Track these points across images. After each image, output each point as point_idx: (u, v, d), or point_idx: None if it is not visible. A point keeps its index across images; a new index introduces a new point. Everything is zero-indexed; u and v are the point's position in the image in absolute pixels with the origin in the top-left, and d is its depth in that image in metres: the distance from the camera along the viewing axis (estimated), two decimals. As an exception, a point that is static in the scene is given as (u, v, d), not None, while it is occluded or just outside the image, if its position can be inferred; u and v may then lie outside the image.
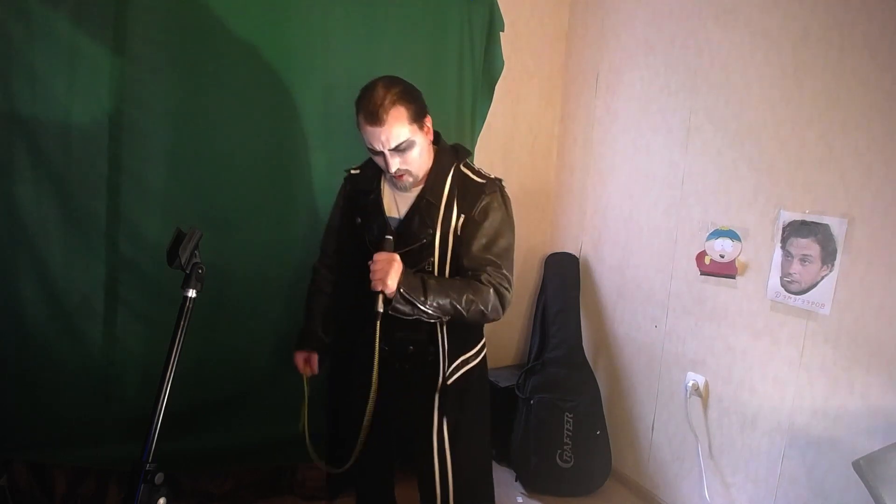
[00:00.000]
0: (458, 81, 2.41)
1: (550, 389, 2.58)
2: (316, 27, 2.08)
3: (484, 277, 1.48)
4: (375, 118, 1.39)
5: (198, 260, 1.21)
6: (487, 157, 2.65)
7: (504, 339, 3.06)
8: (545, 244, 3.08)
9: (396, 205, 1.56)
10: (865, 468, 1.42)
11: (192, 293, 1.20)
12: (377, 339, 1.45)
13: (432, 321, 1.46)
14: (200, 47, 1.95)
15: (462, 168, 1.56)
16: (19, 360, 1.91)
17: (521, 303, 3.05)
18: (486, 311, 1.47)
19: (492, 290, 1.48)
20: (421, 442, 1.60)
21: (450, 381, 1.58)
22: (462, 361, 1.61)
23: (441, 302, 1.43)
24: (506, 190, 1.58)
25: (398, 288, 1.39)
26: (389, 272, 1.38)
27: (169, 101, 1.94)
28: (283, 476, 2.37)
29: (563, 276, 2.83)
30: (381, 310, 1.40)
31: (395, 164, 1.45)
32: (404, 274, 1.41)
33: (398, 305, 1.41)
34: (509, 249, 1.55)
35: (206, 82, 1.98)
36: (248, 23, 1.99)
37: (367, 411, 1.49)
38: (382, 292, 1.39)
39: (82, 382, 1.98)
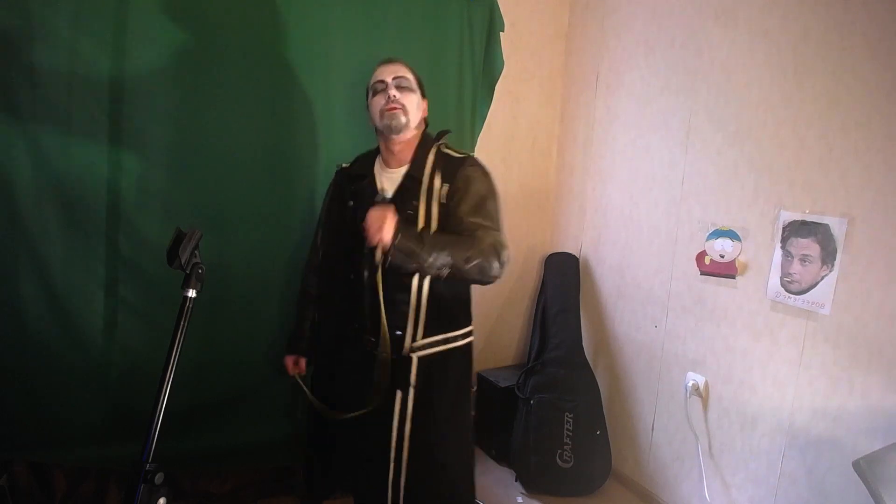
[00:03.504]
0: (458, 81, 2.41)
1: (550, 389, 2.58)
2: (316, 28, 2.08)
3: (479, 234, 1.50)
4: (390, 59, 1.66)
5: (198, 260, 1.21)
6: (487, 157, 2.63)
7: (504, 339, 3.05)
8: (545, 244, 3.08)
9: (384, 187, 1.61)
10: (865, 468, 1.42)
11: (192, 293, 1.21)
12: (380, 291, 1.46)
13: (431, 274, 1.45)
14: (200, 47, 1.95)
15: (442, 148, 1.66)
16: (19, 360, 1.91)
17: (521, 303, 3.05)
18: (484, 265, 1.46)
19: (488, 244, 1.48)
20: (384, 416, 1.61)
21: (419, 354, 1.59)
22: (441, 339, 1.62)
23: (440, 254, 1.42)
24: (485, 165, 1.66)
25: (394, 237, 1.38)
26: (385, 222, 1.38)
27: (169, 100, 1.94)
28: (283, 476, 2.37)
29: (563, 276, 2.83)
30: (378, 260, 1.40)
31: (393, 92, 1.58)
32: (400, 225, 1.41)
33: (396, 256, 1.39)
34: (498, 213, 1.59)
35: (206, 82, 1.98)
36: (248, 24, 1.99)
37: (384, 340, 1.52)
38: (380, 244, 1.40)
39: (82, 382, 1.97)
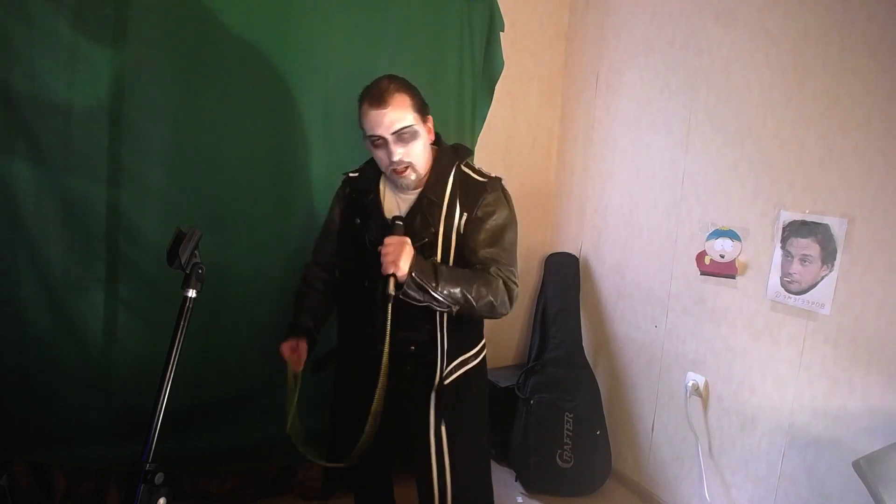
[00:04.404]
0: (458, 81, 2.41)
1: (550, 389, 2.58)
2: (316, 28, 2.08)
3: (493, 270, 1.48)
4: (380, 100, 1.41)
5: (198, 260, 1.20)
6: (487, 157, 2.66)
7: (504, 339, 3.06)
8: (545, 244, 3.08)
9: (398, 205, 1.56)
10: (865, 468, 1.42)
11: (192, 293, 1.20)
12: (388, 323, 1.42)
13: (442, 309, 1.43)
14: (200, 48, 1.95)
15: (463, 167, 1.57)
16: (19, 360, 1.91)
17: (521, 303, 3.05)
18: (495, 304, 1.45)
19: (501, 283, 1.47)
20: (419, 443, 1.59)
21: (447, 381, 1.57)
22: (461, 362, 1.60)
23: (452, 290, 1.40)
24: (506, 188, 1.59)
25: (410, 272, 1.36)
26: (401, 254, 1.35)
27: (169, 100, 1.94)
28: (283, 476, 2.37)
29: (563, 276, 2.83)
30: (392, 293, 1.36)
31: (397, 153, 1.43)
32: (416, 258, 1.39)
33: (409, 290, 1.37)
34: (514, 245, 1.55)
35: (206, 82, 1.98)
36: (248, 23, 1.99)
37: (377, 396, 1.45)
38: (394, 275, 1.36)
39: (82, 382, 1.97)
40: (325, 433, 1.85)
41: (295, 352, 1.66)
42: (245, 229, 2.09)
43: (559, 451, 2.53)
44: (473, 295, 1.42)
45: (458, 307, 1.43)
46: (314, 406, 2.19)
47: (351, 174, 1.69)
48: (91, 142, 1.87)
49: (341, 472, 1.81)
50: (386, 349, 1.45)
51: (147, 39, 1.88)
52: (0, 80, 1.76)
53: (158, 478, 1.09)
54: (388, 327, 1.43)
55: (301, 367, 1.67)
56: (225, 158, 2.04)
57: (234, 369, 2.14)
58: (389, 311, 1.42)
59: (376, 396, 1.47)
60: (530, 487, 2.56)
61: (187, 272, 1.20)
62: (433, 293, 1.38)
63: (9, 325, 1.88)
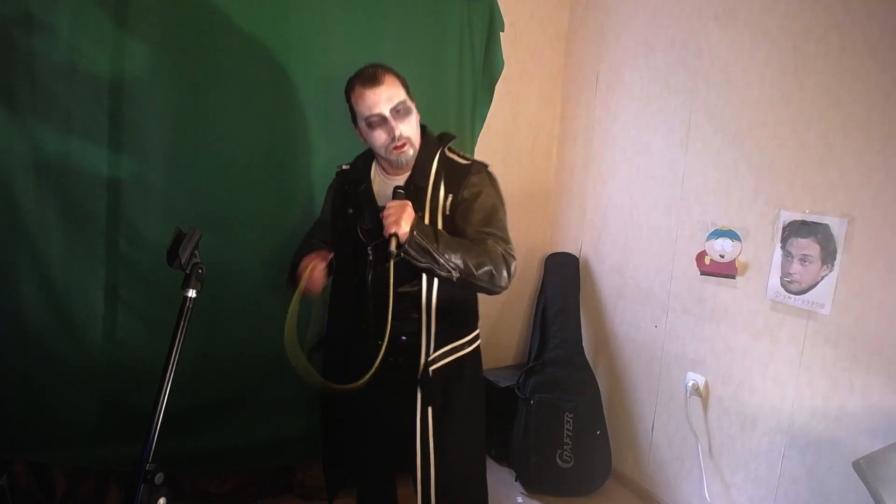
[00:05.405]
0: (458, 81, 2.41)
1: (550, 389, 2.58)
2: (316, 27, 2.09)
3: (490, 242, 1.48)
4: (374, 80, 1.45)
5: (198, 260, 1.20)
6: (487, 157, 2.62)
7: (504, 339, 3.06)
8: (545, 244, 3.08)
9: (387, 193, 1.57)
10: (865, 468, 1.42)
11: (191, 293, 1.20)
12: (391, 281, 1.44)
13: (443, 274, 1.43)
14: (200, 47, 1.95)
15: (447, 152, 1.60)
16: (19, 361, 1.91)
17: (521, 303, 3.05)
18: (494, 273, 1.45)
19: (500, 254, 1.48)
20: (409, 436, 1.58)
21: (436, 366, 1.56)
22: (453, 348, 1.60)
23: (453, 255, 1.41)
24: (493, 173, 1.61)
25: (411, 230, 1.37)
26: (403, 215, 1.37)
27: (169, 100, 1.94)
28: (283, 476, 2.38)
29: (563, 276, 2.83)
30: (394, 251, 1.37)
31: (399, 128, 1.47)
32: (417, 220, 1.40)
33: (411, 250, 1.38)
34: (506, 224, 1.57)
35: (206, 82, 1.98)
36: (248, 24, 1.99)
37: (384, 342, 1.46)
38: (395, 235, 1.37)
39: (82, 382, 1.98)
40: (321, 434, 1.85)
41: (315, 270, 1.58)
42: (245, 229, 2.09)
43: (559, 451, 2.53)
44: (474, 262, 1.42)
45: (458, 273, 1.42)
46: (303, 405, 2.20)
47: (344, 167, 1.73)
48: (91, 142, 1.87)
49: (343, 473, 1.80)
50: (389, 309, 1.45)
51: (147, 39, 1.88)
52: (0, 80, 1.76)
53: (158, 478, 1.09)
54: (392, 286, 1.44)
55: (320, 291, 1.60)
56: (225, 158, 2.04)
57: (234, 369, 2.14)
58: (392, 270, 1.43)
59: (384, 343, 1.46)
60: (530, 487, 2.56)
61: (187, 272, 1.20)
62: (435, 254, 1.39)
63: (9, 325, 1.88)
